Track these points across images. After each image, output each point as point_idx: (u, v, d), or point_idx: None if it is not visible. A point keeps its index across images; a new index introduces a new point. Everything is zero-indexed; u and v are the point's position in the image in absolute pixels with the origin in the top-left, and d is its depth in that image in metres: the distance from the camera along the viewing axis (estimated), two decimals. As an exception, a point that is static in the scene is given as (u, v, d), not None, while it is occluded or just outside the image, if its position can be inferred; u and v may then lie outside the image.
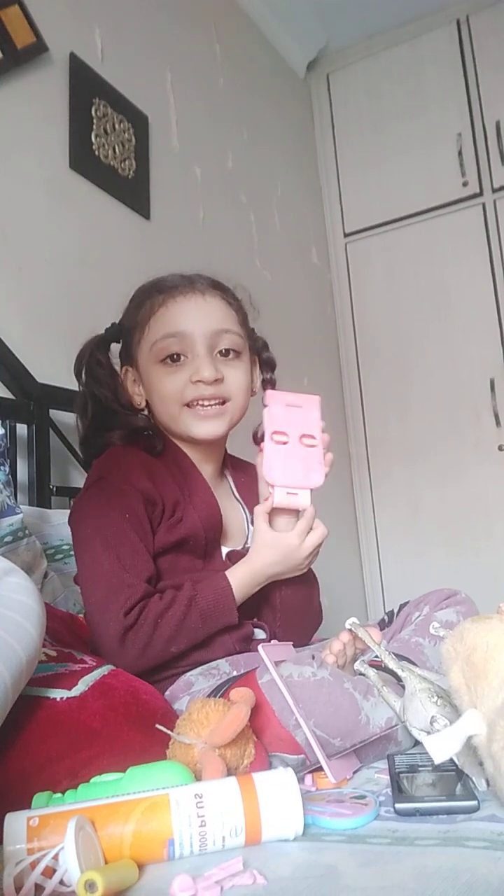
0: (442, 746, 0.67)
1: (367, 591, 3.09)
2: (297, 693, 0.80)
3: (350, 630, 0.90)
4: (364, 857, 0.59)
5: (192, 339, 1.10)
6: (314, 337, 3.09)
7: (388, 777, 0.77)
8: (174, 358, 1.11)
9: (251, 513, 1.18)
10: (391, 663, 0.83)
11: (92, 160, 2.00)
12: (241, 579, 1.05)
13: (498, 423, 2.89)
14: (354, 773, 0.82)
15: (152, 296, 1.15)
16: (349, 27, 3.22)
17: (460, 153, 3.05)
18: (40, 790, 0.69)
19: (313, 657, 0.86)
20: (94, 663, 0.91)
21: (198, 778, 0.70)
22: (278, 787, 0.63)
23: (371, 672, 0.84)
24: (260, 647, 0.85)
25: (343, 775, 0.78)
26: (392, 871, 0.56)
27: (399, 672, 0.81)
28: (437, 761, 0.68)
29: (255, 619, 1.14)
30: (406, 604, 1.16)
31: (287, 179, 3.09)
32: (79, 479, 1.74)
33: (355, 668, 0.88)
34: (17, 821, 0.59)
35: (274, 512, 1.06)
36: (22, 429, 1.61)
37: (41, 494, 1.59)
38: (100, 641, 0.99)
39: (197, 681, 1.01)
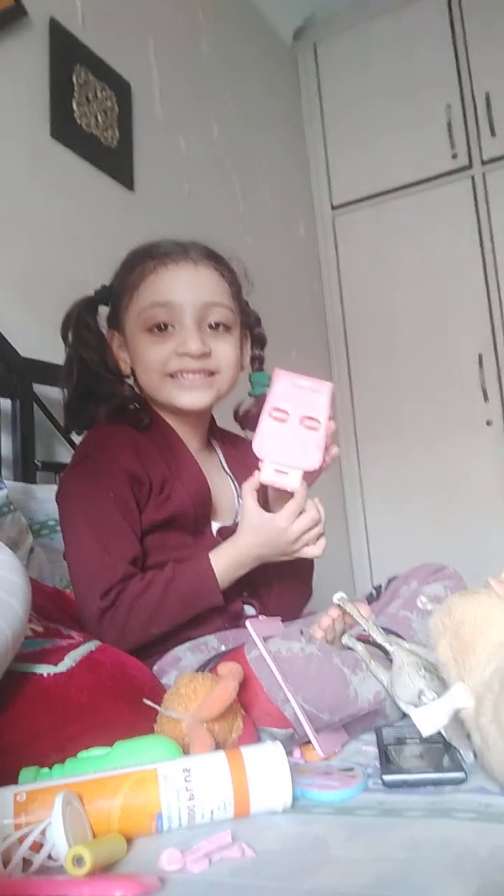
0: (430, 719, 0.68)
1: (354, 565, 3.10)
2: (285, 668, 0.80)
3: (339, 605, 0.90)
4: (352, 829, 0.59)
5: (180, 311, 1.08)
6: (302, 311, 3.07)
7: (375, 749, 0.78)
8: (161, 328, 1.09)
9: (241, 487, 1.17)
10: (379, 637, 0.83)
11: (74, 129, 1.96)
12: (226, 561, 1.02)
13: (486, 398, 2.89)
14: (343, 746, 0.82)
15: (144, 261, 1.12)
16: (337, -6, 3.16)
17: (450, 125, 3.02)
18: (27, 765, 0.69)
19: (302, 632, 0.86)
20: (81, 639, 0.91)
21: (186, 752, 0.70)
22: (266, 760, 0.63)
23: (359, 646, 0.84)
24: (248, 623, 0.85)
25: (331, 749, 0.79)
26: (380, 842, 0.56)
27: (387, 646, 0.81)
28: (425, 734, 0.68)
29: (245, 595, 1.13)
30: (394, 578, 1.16)
31: (274, 151, 3.05)
32: (64, 454, 1.73)
33: (343, 642, 0.88)
34: (4, 796, 0.59)
35: (273, 494, 1.05)
36: (6, 403, 1.59)
37: (26, 470, 1.58)
38: (82, 622, 1.00)
39: (185, 656, 1.01)
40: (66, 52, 1.96)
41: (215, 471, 1.20)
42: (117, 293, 1.15)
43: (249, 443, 1.08)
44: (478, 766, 0.69)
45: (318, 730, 0.78)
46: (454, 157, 3.01)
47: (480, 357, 2.91)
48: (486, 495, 2.87)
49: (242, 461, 1.17)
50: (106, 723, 0.76)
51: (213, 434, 1.25)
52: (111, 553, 1.00)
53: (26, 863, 0.54)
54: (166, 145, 2.37)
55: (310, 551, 1.04)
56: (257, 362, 1.21)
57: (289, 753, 0.72)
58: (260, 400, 1.15)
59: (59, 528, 1.17)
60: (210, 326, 1.10)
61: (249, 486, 1.01)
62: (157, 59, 2.36)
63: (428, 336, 3.01)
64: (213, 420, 1.24)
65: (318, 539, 1.05)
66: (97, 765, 0.67)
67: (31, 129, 1.84)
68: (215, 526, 1.15)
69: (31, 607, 0.79)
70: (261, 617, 1.08)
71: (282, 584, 1.14)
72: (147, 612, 0.98)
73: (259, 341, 1.22)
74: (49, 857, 0.54)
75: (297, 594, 1.19)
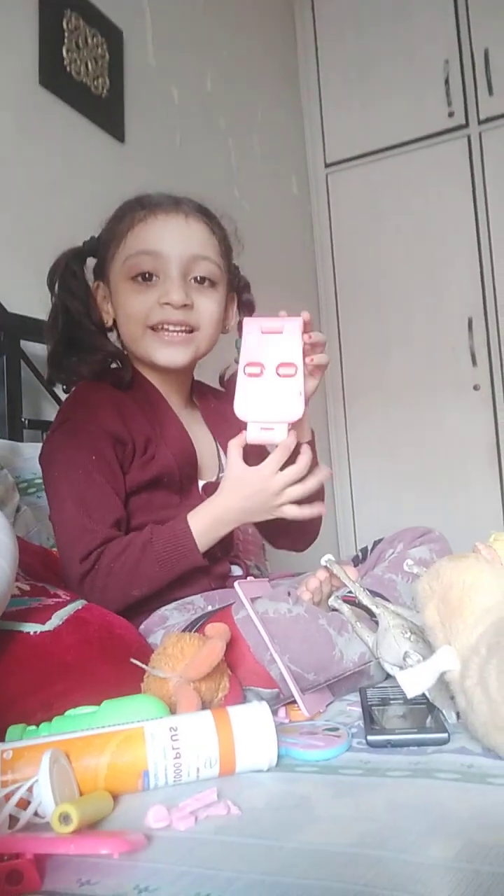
0: (415, 681, 0.68)
1: (339, 528, 3.12)
2: (272, 629, 0.81)
3: (326, 567, 0.91)
4: (336, 788, 0.60)
5: (166, 260, 1.07)
6: (292, 270, 3.04)
7: (360, 709, 0.78)
8: (145, 277, 1.08)
9: (220, 441, 1.17)
10: (365, 599, 0.83)
11: (63, 76, 1.90)
12: (205, 521, 1.00)
13: (474, 362, 2.88)
14: (327, 706, 0.83)
15: (134, 210, 1.11)
16: None
17: (447, 82, 2.95)
18: (14, 723, 0.69)
19: (289, 594, 0.87)
20: (68, 598, 0.91)
21: (172, 711, 0.70)
22: (252, 719, 0.64)
23: (345, 608, 0.85)
24: (236, 584, 0.85)
25: (316, 709, 0.80)
26: (364, 801, 0.57)
27: (373, 608, 0.82)
28: (409, 695, 0.69)
29: (232, 555, 1.14)
30: (380, 541, 1.16)
31: (268, 105, 2.98)
32: (52, 411, 1.71)
33: (329, 603, 0.89)
34: (-10, 753, 0.59)
35: (260, 452, 1.04)
36: (-8, 360, 1.57)
37: (13, 427, 1.57)
38: (66, 585, 1.00)
39: (172, 615, 1.01)
40: (56, -4, 1.89)
41: (198, 427, 1.19)
42: (105, 242, 1.14)
43: (227, 395, 1.07)
44: (460, 727, 0.70)
45: (303, 690, 0.79)
46: (451, 115, 2.96)
47: (470, 321, 2.89)
48: (472, 460, 2.88)
49: (222, 414, 1.16)
50: (93, 681, 0.76)
51: (194, 391, 1.24)
52: (93, 517, 0.99)
53: (13, 820, 0.54)
54: (158, 96, 2.31)
55: (291, 511, 1.01)
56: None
57: (274, 713, 0.73)
58: None
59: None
60: (196, 280, 1.09)
61: (236, 443, 0.99)
62: (151, 5, 2.29)
63: (418, 298, 2.99)
64: (193, 378, 1.23)
65: (304, 500, 1.02)
66: (84, 723, 0.67)
67: (20, 77, 1.78)
68: (200, 483, 1.15)
69: (17, 566, 0.78)
70: (249, 578, 1.09)
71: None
72: (125, 574, 0.97)
73: (247, 308, 1.21)
74: (36, 814, 0.54)
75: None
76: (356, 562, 1.17)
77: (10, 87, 1.75)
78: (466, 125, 2.95)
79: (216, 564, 1.10)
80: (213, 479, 1.16)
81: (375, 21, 3.10)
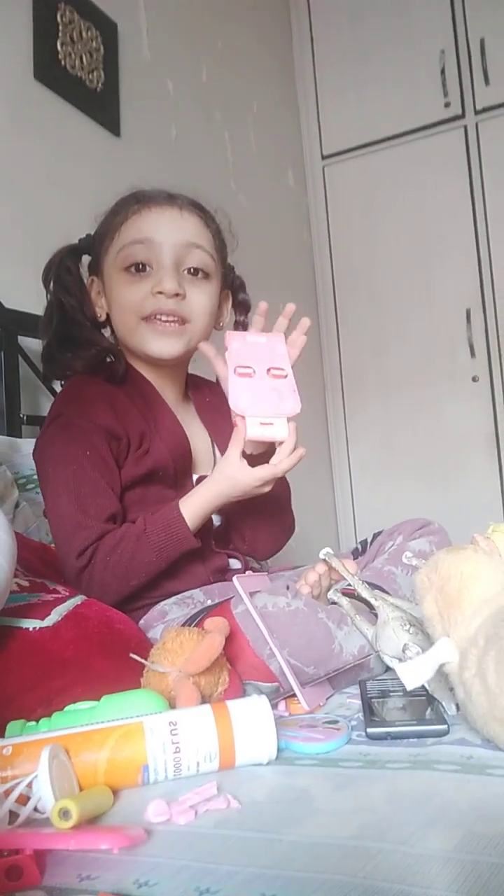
0: (415, 673, 0.68)
1: (338, 521, 3.12)
2: (271, 623, 0.81)
3: (325, 560, 0.91)
4: (336, 781, 0.60)
5: (159, 249, 1.07)
6: (289, 262, 3.03)
7: (359, 702, 0.79)
8: (139, 268, 1.08)
9: (214, 435, 1.17)
10: (364, 592, 0.83)
11: (58, 70, 1.89)
12: (194, 507, 1.01)
13: (473, 354, 2.88)
14: (327, 699, 0.83)
15: (129, 204, 1.12)
16: None
17: (443, 72, 2.94)
18: (14, 719, 0.69)
19: (288, 587, 0.87)
20: (67, 593, 0.91)
21: (172, 706, 0.70)
22: (252, 713, 0.64)
23: (344, 601, 0.85)
24: (235, 579, 0.85)
25: (316, 702, 0.80)
26: (364, 794, 0.57)
27: (372, 601, 0.82)
28: (409, 687, 0.69)
29: (230, 549, 1.14)
30: (379, 533, 1.17)
31: (264, 97, 2.96)
32: (49, 407, 1.71)
33: (328, 596, 0.89)
34: (-10, 750, 0.59)
35: (253, 449, 1.04)
36: (-10, 356, 1.57)
37: (11, 423, 1.56)
38: (65, 580, 1.00)
39: (171, 610, 1.01)
40: (49, -11, 1.88)
41: (192, 421, 1.19)
42: (100, 237, 1.14)
43: (219, 387, 1.08)
44: (460, 718, 0.70)
45: (303, 683, 0.79)
46: (447, 105, 2.94)
47: (468, 312, 2.89)
48: (471, 451, 2.88)
49: (217, 408, 1.17)
50: (92, 677, 0.76)
51: (189, 385, 1.24)
52: (88, 512, 0.99)
53: (12, 815, 0.54)
54: (153, 89, 2.30)
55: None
56: (241, 328, 1.19)
57: (274, 706, 0.73)
58: None
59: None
60: (189, 272, 1.09)
61: (239, 436, 0.99)
62: (144, -2, 2.28)
63: (416, 290, 2.99)
64: (188, 374, 1.23)
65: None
66: (84, 718, 0.67)
67: (14, 71, 1.77)
68: (195, 477, 1.15)
69: (16, 562, 0.78)
70: (247, 572, 1.09)
71: (264, 519, 1.15)
72: (122, 567, 0.98)
73: (242, 307, 1.21)
74: (35, 809, 0.54)
75: (278, 521, 1.20)
76: (355, 554, 1.17)
77: (5, 81, 1.74)
78: (463, 116, 2.93)
79: (213, 558, 1.10)
80: (208, 472, 1.15)
81: (371, 11, 3.08)
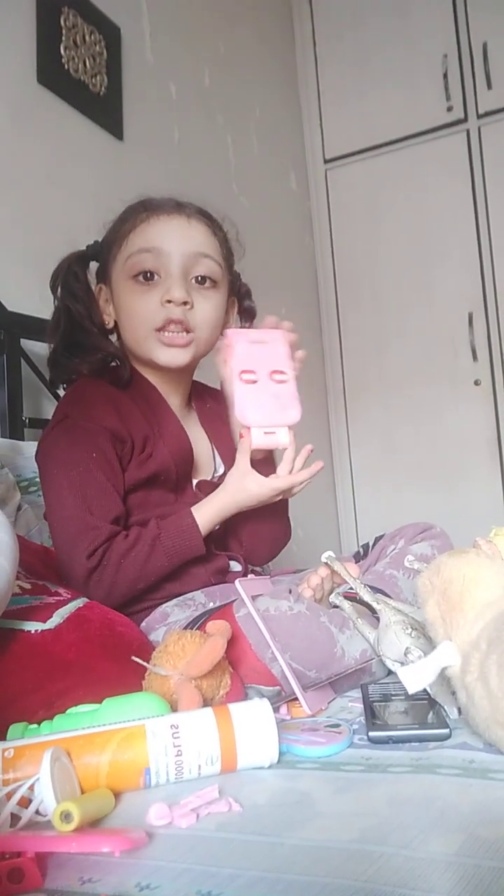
0: (416, 677, 0.68)
1: (340, 524, 3.12)
2: (273, 626, 0.81)
3: (327, 564, 0.91)
4: (338, 784, 0.60)
5: (167, 258, 1.07)
6: (292, 266, 3.03)
7: (361, 706, 0.78)
8: (147, 276, 1.08)
9: (215, 442, 1.18)
10: (366, 596, 0.83)
11: (61, 74, 1.89)
12: (207, 515, 1.04)
13: (475, 357, 2.88)
14: (329, 703, 0.83)
15: (137, 212, 1.12)
16: None
17: (445, 76, 2.95)
18: (15, 721, 0.69)
19: (290, 591, 0.87)
20: (69, 596, 0.91)
21: (174, 709, 0.70)
22: (254, 716, 0.64)
23: (346, 604, 0.85)
24: (237, 582, 0.85)
25: (318, 706, 0.80)
26: (365, 797, 0.57)
27: (374, 605, 0.82)
28: (411, 691, 0.69)
29: (230, 552, 1.14)
30: (381, 537, 1.17)
31: (266, 101, 2.97)
32: (52, 410, 1.71)
33: (330, 600, 0.89)
34: (-8, 752, 0.59)
35: (256, 454, 1.05)
36: (-8, 359, 1.57)
37: (14, 426, 1.56)
38: (68, 582, 1.00)
39: (173, 612, 1.01)
40: (53, -7, 1.88)
41: (194, 428, 1.20)
42: (108, 245, 1.14)
43: (221, 394, 1.09)
44: (462, 722, 0.70)
45: (304, 687, 0.79)
46: (449, 109, 2.95)
47: (470, 315, 2.89)
48: (473, 455, 2.88)
49: (218, 415, 1.17)
50: (94, 679, 0.76)
51: (192, 392, 1.24)
52: (94, 513, 1.00)
53: (14, 818, 0.54)
54: (156, 92, 2.30)
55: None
56: None
57: (276, 710, 0.73)
58: None
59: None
60: (197, 281, 1.09)
61: (244, 449, 1.03)
62: (148, 2, 2.28)
63: (419, 293, 2.99)
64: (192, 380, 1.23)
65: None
66: (85, 721, 0.67)
67: (18, 75, 1.78)
68: (194, 482, 1.15)
69: (18, 564, 0.78)
70: (249, 575, 1.09)
71: (262, 526, 1.16)
72: (135, 569, 0.98)
73: (248, 314, 1.22)
74: (37, 812, 0.54)
75: (275, 528, 1.20)
76: (357, 558, 1.17)
77: (8, 85, 1.75)
78: (465, 119, 2.94)
79: (214, 559, 1.10)
80: (208, 477, 1.16)
81: (373, 15, 3.09)
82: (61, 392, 1.66)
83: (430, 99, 2.98)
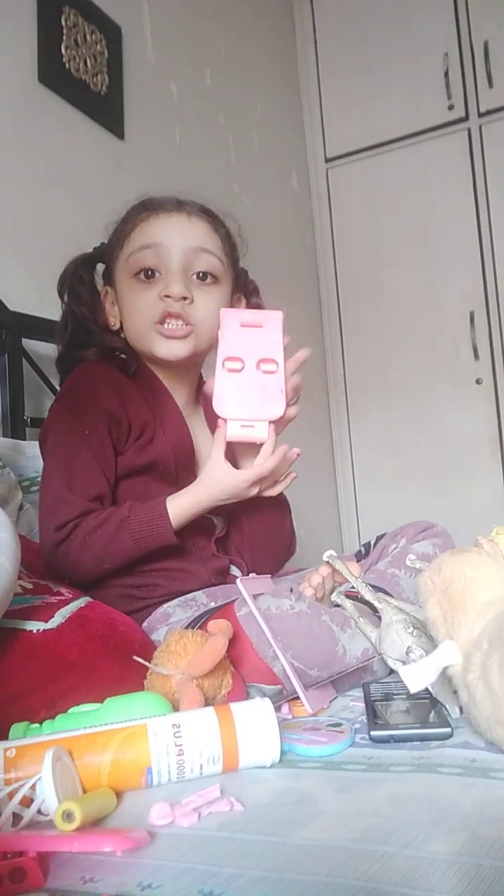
0: (418, 676, 0.68)
1: (342, 524, 3.12)
2: (274, 625, 0.81)
3: (328, 563, 0.90)
4: (339, 784, 0.60)
5: (167, 254, 1.08)
6: (293, 265, 3.03)
7: (363, 705, 0.78)
8: (148, 273, 1.08)
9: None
10: (368, 595, 0.83)
11: (62, 74, 1.89)
12: (182, 506, 1.02)
13: (476, 356, 2.87)
14: (331, 701, 0.83)
15: (137, 211, 1.13)
16: None
17: (447, 74, 2.94)
18: (17, 721, 0.69)
19: (291, 590, 0.87)
20: (71, 595, 0.91)
21: (175, 708, 0.70)
22: (255, 715, 0.64)
23: (348, 603, 0.85)
24: (238, 581, 0.85)
25: (320, 705, 0.80)
26: (367, 796, 0.57)
27: (375, 603, 0.81)
28: (412, 690, 0.69)
29: (230, 557, 1.14)
30: (382, 536, 1.17)
31: (267, 100, 2.97)
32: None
33: (332, 599, 0.89)
34: (-6, 752, 0.59)
35: (240, 446, 1.04)
36: (-6, 358, 1.57)
37: (15, 425, 1.56)
38: (41, 551, 1.02)
39: (174, 612, 1.01)
40: (54, -7, 1.88)
41: (200, 425, 1.20)
42: (111, 246, 1.15)
43: None
44: (463, 721, 0.70)
45: (306, 686, 0.79)
46: (451, 108, 2.94)
47: (472, 314, 2.89)
48: (474, 454, 2.88)
49: None
50: (96, 679, 0.76)
51: (199, 390, 1.24)
52: (74, 489, 1.01)
53: (16, 817, 0.54)
54: (158, 92, 2.30)
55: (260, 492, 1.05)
56: None
57: (277, 709, 0.73)
58: None
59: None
60: (198, 276, 1.09)
61: (219, 440, 1.01)
62: (149, 2, 2.28)
63: (420, 292, 2.99)
64: (200, 377, 1.23)
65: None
66: (87, 720, 0.67)
67: (19, 75, 1.78)
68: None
69: (20, 564, 0.78)
70: (251, 574, 1.09)
71: (260, 535, 1.16)
72: (99, 548, 0.98)
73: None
74: (39, 811, 0.54)
75: (278, 545, 1.20)
76: (359, 557, 1.17)
77: (9, 84, 1.75)
78: (466, 118, 2.93)
79: (214, 560, 1.10)
80: None
81: (374, 14, 3.09)
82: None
83: (431, 98, 2.97)
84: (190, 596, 1.04)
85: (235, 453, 1.06)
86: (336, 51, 3.18)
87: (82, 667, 0.77)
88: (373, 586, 0.89)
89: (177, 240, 1.08)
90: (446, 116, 2.95)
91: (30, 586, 0.91)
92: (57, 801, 0.53)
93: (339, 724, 0.72)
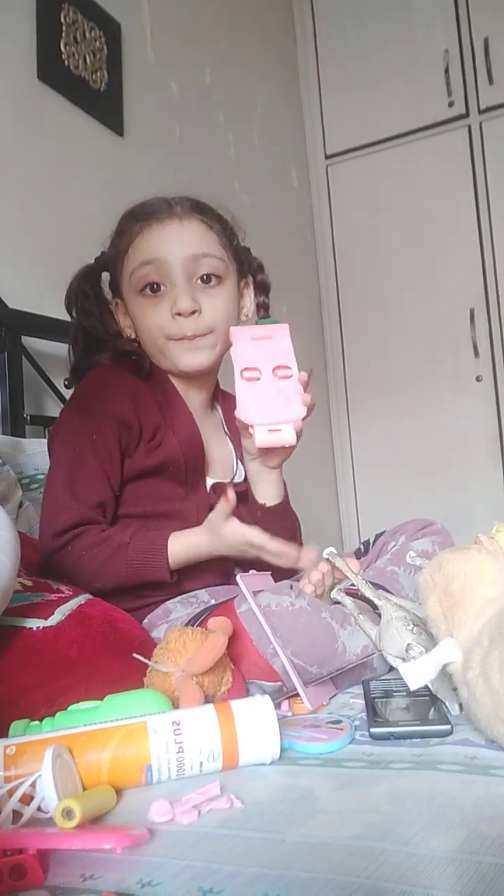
0: (418, 673, 0.68)
1: (342, 521, 3.12)
2: (274, 622, 0.81)
3: (328, 560, 0.90)
4: (339, 781, 0.60)
5: (168, 267, 1.07)
6: (293, 263, 3.03)
7: (363, 702, 0.78)
8: (153, 288, 1.09)
9: (238, 447, 1.17)
10: (368, 592, 0.83)
11: (61, 70, 1.89)
12: (184, 545, 1.00)
13: (476, 353, 2.87)
14: (330, 698, 0.83)
15: (130, 224, 1.12)
16: None
17: (447, 71, 2.94)
18: (17, 718, 0.69)
19: (291, 587, 0.87)
20: (71, 593, 0.91)
21: (175, 705, 0.70)
22: (255, 713, 0.64)
23: (348, 600, 0.85)
24: (238, 577, 0.85)
25: (319, 702, 0.80)
26: (367, 794, 0.57)
27: (375, 600, 0.82)
28: (412, 687, 0.69)
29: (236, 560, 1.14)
30: (382, 533, 1.17)
31: (267, 97, 2.96)
32: (53, 407, 1.71)
33: (332, 596, 0.89)
34: (-6, 749, 0.59)
35: (264, 451, 1.04)
36: (-7, 356, 1.57)
37: (15, 423, 1.56)
38: (39, 551, 1.02)
39: (175, 609, 1.01)
40: (53, -11, 1.88)
41: (214, 429, 1.20)
42: (112, 260, 1.15)
43: None
44: (463, 718, 0.70)
45: (306, 683, 0.79)
46: (451, 104, 2.94)
47: (472, 312, 2.88)
48: (474, 451, 2.88)
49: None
50: (96, 676, 0.76)
51: (216, 396, 1.25)
52: (76, 495, 1.01)
53: (16, 815, 0.54)
54: (157, 89, 2.30)
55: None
56: (263, 309, 1.20)
57: (277, 706, 0.73)
58: None
59: (48, 481, 1.18)
60: (202, 280, 1.09)
61: (226, 509, 0.95)
62: (148, -2, 2.28)
63: (420, 291, 2.98)
64: (217, 383, 1.24)
65: None
66: (87, 718, 0.67)
67: (18, 71, 1.78)
68: (210, 482, 1.15)
69: (20, 561, 0.78)
70: (252, 571, 1.09)
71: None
72: (93, 567, 0.98)
73: (262, 288, 1.21)
74: (39, 809, 0.54)
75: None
76: (358, 554, 1.17)
77: (9, 81, 1.75)
78: (467, 115, 2.93)
79: (221, 563, 1.10)
80: (227, 480, 1.16)
81: (374, 11, 3.08)
82: (61, 387, 1.67)
83: (431, 94, 2.97)
84: (192, 593, 1.04)
85: (262, 454, 1.06)
86: (336, 48, 3.18)
87: (82, 664, 0.77)
88: (372, 584, 0.89)
89: (174, 250, 1.07)
90: (446, 113, 2.95)
91: (29, 583, 0.91)
92: (57, 798, 0.53)
93: (338, 721, 0.72)
